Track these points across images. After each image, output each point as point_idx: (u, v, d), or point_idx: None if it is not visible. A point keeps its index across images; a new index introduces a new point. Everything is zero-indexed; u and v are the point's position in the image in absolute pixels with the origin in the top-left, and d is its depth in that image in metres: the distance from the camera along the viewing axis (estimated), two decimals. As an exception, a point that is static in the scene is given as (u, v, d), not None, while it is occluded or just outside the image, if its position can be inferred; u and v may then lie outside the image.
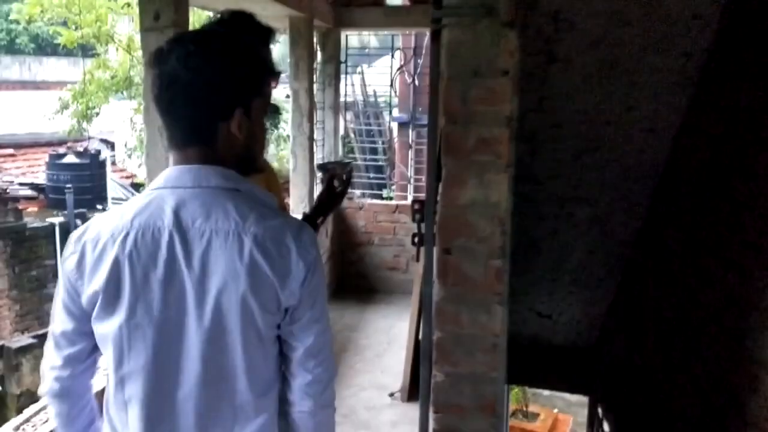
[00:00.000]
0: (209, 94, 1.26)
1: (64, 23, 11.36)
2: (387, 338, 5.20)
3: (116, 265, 1.23)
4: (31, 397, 9.04)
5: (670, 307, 3.69)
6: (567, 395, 8.87)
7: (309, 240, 1.29)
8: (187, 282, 1.23)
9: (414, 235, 2.40)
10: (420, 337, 4.37)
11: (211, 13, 10.77)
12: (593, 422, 5.56)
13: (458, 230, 1.70)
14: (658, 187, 3.65)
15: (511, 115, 1.63)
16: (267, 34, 1.84)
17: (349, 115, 8.38)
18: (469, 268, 1.70)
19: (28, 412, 2.29)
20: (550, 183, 3.70)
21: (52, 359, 1.38)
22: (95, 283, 1.25)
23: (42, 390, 1.43)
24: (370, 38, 13.43)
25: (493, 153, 1.65)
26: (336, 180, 2.03)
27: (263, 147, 1.41)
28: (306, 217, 1.98)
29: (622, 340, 4.55)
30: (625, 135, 3.34)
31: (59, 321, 1.34)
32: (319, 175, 5.09)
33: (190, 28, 3.33)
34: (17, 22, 12.44)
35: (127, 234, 1.24)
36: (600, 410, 5.24)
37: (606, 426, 5.09)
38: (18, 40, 21.46)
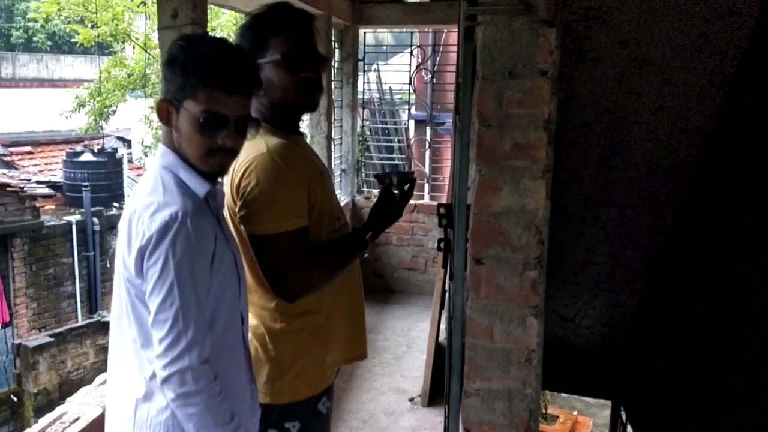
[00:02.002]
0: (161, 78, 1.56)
1: (81, 21, 11.38)
2: (406, 341, 5.13)
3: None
4: (48, 395, 9.09)
5: (700, 311, 3.58)
6: (586, 397, 8.76)
7: (158, 218, 1.41)
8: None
9: (440, 241, 2.32)
10: (439, 340, 4.32)
11: (228, 11, 10.75)
12: (616, 426, 5.45)
13: (492, 239, 1.61)
14: (688, 189, 3.54)
15: (549, 119, 1.54)
16: (307, 20, 1.83)
17: (365, 113, 8.30)
18: (503, 279, 1.61)
19: (43, 421, 2.24)
20: (576, 184, 3.60)
21: None
22: None
23: None
24: (387, 35, 13.36)
25: (530, 158, 1.56)
26: (394, 190, 1.92)
27: (197, 152, 1.50)
28: (355, 231, 1.91)
29: (648, 344, 4.44)
30: (655, 135, 3.23)
31: None
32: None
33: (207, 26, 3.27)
34: (35, 20, 12.45)
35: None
36: (624, 414, 5.14)
37: (630, 430, 4.99)
38: (35, 38, 21.62)
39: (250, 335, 1.79)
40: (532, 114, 1.56)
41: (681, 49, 2.85)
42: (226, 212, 1.74)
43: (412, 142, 8.80)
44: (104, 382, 2.58)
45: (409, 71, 6.87)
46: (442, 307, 4.18)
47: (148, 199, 1.45)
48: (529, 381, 1.62)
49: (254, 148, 1.70)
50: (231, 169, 1.66)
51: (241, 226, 1.73)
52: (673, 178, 3.51)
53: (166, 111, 1.50)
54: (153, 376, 1.46)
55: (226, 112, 1.47)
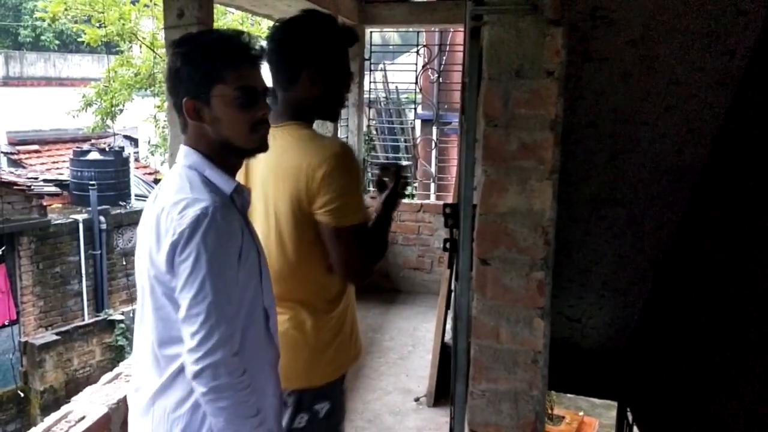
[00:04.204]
0: (172, 87, 1.54)
1: (88, 20, 11.40)
2: (411, 340, 5.12)
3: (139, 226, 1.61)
4: (54, 393, 9.12)
5: (707, 312, 3.57)
6: (592, 398, 8.73)
7: (189, 215, 1.43)
8: (142, 236, 1.57)
9: (446, 241, 2.31)
10: (445, 340, 4.31)
11: (232, 11, 10.76)
12: (622, 427, 5.44)
13: (498, 239, 1.61)
14: (695, 189, 3.52)
15: (555, 119, 1.53)
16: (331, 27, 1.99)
17: (371, 113, 8.30)
18: (509, 280, 1.61)
19: (49, 420, 2.24)
20: (583, 184, 3.59)
21: None
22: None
23: None
24: (393, 35, 13.35)
25: (536, 159, 1.56)
26: (386, 181, 2.04)
27: (242, 131, 1.54)
28: (383, 216, 2.01)
29: (655, 344, 4.43)
30: (663, 135, 3.21)
31: None
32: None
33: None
34: (42, 19, 12.48)
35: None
36: (630, 415, 5.12)
37: (636, 431, 4.97)
38: (43, 37, 21.67)
39: (286, 326, 1.87)
40: (539, 114, 1.55)
41: (689, 49, 2.83)
42: (284, 205, 1.83)
43: (418, 141, 8.78)
44: (109, 382, 2.59)
45: (416, 71, 6.85)
46: (447, 307, 4.17)
47: (176, 197, 1.47)
48: (535, 382, 1.61)
49: (321, 144, 1.83)
50: (300, 164, 1.78)
51: (324, 218, 1.81)
52: (680, 179, 3.49)
53: (193, 108, 1.51)
54: (175, 372, 1.50)
55: (256, 84, 1.54)
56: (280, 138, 1.80)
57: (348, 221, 1.80)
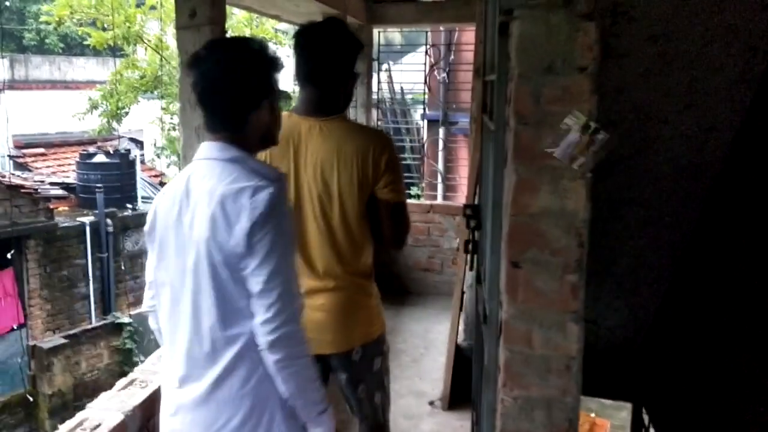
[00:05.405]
0: (240, 91, 1.62)
1: (93, 23, 11.39)
2: (423, 342, 5.07)
3: (154, 217, 1.70)
4: (63, 397, 9.09)
5: (728, 312, 3.51)
6: (602, 399, 8.66)
7: (261, 199, 1.55)
8: (186, 229, 1.61)
9: (467, 243, 2.26)
10: (459, 341, 4.25)
11: (236, 12, 10.72)
12: (638, 429, 5.38)
13: (529, 241, 1.56)
14: (714, 188, 3.47)
15: (589, 116, 1.48)
16: (354, 41, 2.16)
17: (378, 113, 8.26)
18: (541, 283, 1.56)
19: (64, 428, 2.20)
20: (600, 184, 3.51)
21: (146, 284, 1.82)
22: (145, 229, 1.73)
23: (142, 308, 1.90)
24: (395, 35, 13.29)
25: (570, 157, 1.50)
26: None
27: (280, 126, 1.77)
28: None
29: (673, 345, 4.37)
30: (682, 134, 3.16)
31: (149, 257, 1.77)
32: None
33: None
34: (47, 23, 12.47)
35: (164, 193, 1.70)
36: (646, 417, 5.06)
37: (652, 434, 4.92)
38: (48, 40, 21.69)
39: (350, 293, 2.15)
40: (572, 111, 1.50)
41: (710, 45, 2.78)
42: (349, 186, 2.07)
43: (424, 141, 8.73)
44: (124, 388, 2.55)
45: (424, 71, 6.80)
46: (460, 309, 4.12)
47: (235, 186, 1.57)
48: (569, 389, 1.56)
49: (375, 133, 2.33)
50: (365, 150, 2.05)
51: (388, 195, 2.10)
52: (699, 177, 3.44)
53: (251, 112, 1.65)
54: (237, 352, 1.59)
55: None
56: (331, 129, 2.07)
57: (404, 198, 2.15)
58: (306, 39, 2.12)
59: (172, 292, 1.67)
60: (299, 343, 1.59)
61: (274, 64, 1.67)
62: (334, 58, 2.10)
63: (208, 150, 1.65)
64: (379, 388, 2.32)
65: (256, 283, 1.55)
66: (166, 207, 1.67)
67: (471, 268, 2.86)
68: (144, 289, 1.86)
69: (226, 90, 1.62)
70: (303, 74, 2.11)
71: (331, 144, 2.04)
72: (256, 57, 1.64)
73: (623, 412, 9.33)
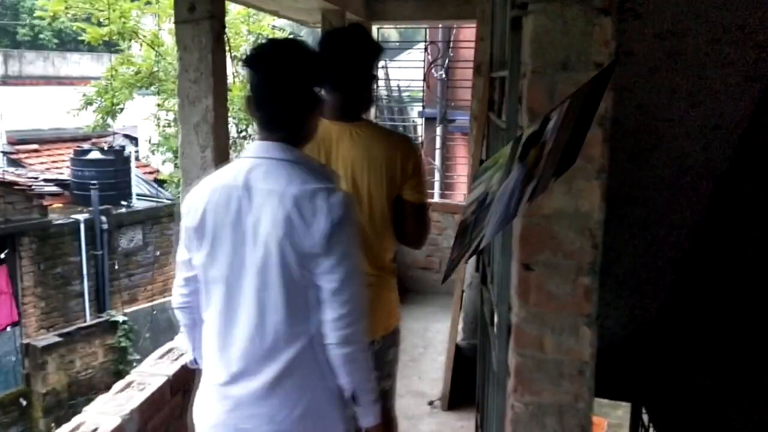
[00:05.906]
0: (306, 94, 1.69)
1: (88, 19, 11.29)
2: (422, 342, 5.03)
3: (204, 212, 1.66)
4: (57, 395, 9.02)
5: (731, 311, 3.48)
6: (599, 398, 8.65)
7: (337, 201, 1.60)
8: (248, 227, 1.62)
9: (472, 243, 2.22)
10: (458, 341, 4.21)
11: (233, 7, 10.64)
12: (636, 427, 5.36)
13: (542, 243, 1.52)
14: (719, 187, 3.43)
15: (605, 114, 1.44)
16: (375, 48, 2.27)
17: (375, 110, 8.22)
18: (554, 286, 1.52)
19: (67, 427, 2.15)
20: (603, 183, 3.49)
21: (177, 280, 1.82)
22: (191, 224, 1.69)
23: (172, 303, 1.87)
24: (391, 32, 13.23)
25: (584, 157, 1.47)
26: None
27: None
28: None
29: (674, 344, 4.34)
30: (688, 132, 3.13)
31: (180, 252, 1.78)
32: None
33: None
34: (41, 18, 12.35)
35: (214, 189, 1.67)
36: (646, 416, 5.04)
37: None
38: (41, 36, 21.55)
39: (374, 287, 2.11)
40: (587, 109, 1.45)
41: (718, 43, 2.75)
42: (379, 187, 2.17)
43: (422, 139, 8.69)
44: (121, 391, 2.50)
45: (424, 68, 6.75)
46: (460, 309, 4.08)
47: (308, 187, 1.61)
48: (581, 394, 1.52)
49: (402, 137, 2.52)
50: (394, 153, 2.15)
51: (414, 197, 2.20)
52: (704, 177, 3.41)
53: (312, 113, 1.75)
54: (301, 348, 1.63)
55: None
56: (360, 134, 2.18)
57: (427, 198, 2.27)
58: (332, 47, 2.21)
59: (227, 289, 1.67)
60: (365, 338, 1.68)
61: (323, 68, 1.75)
62: (360, 66, 2.19)
63: (267, 149, 1.67)
64: (389, 376, 2.44)
65: (330, 281, 1.60)
66: (218, 204, 1.66)
67: (477, 270, 2.83)
68: (173, 285, 1.87)
69: (295, 93, 1.67)
70: (330, 81, 2.16)
71: (360, 148, 2.15)
72: (315, 60, 1.71)
73: (619, 410, 9.33)
